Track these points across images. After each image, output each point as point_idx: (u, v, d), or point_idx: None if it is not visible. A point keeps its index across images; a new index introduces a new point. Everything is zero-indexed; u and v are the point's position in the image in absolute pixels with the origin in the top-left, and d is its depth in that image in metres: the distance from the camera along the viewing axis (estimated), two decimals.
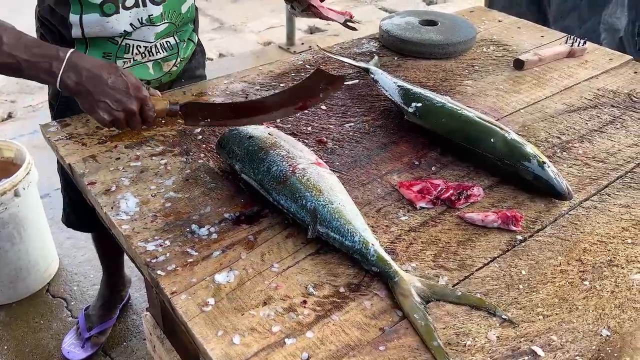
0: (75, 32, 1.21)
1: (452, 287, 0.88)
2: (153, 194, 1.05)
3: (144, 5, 1.21)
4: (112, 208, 1.01)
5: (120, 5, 1.19)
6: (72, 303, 2.00)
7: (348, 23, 1.41)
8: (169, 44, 1.33)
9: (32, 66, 1.00)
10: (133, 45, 1.27)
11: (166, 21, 1.27)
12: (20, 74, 1.04)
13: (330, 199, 0.95)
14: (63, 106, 1.35)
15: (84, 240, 2.22)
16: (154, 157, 1.15)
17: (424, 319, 0.81)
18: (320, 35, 4.43)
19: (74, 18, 1.19)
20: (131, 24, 1.22)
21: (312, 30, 4.56)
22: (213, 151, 1.18)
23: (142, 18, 1.22)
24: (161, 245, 0.93)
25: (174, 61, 1.37)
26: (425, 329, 0.79)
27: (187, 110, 1.09)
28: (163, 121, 1.24)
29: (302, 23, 4.56)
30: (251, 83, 1.46)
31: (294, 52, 4.00)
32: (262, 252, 0.93)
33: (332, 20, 1.40)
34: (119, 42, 1.25)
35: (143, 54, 1.30)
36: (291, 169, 0.99)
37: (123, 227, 0.97)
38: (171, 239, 0.95)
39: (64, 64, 1.00)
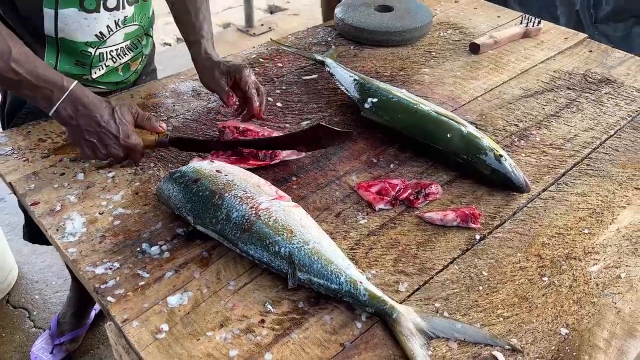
0: (48, 27, 1.11)
1: (445, 314, 0.83)
2: (101, 212, 1.00)
3: (123, 7, 1.17)
4: (57, 230, 0.96)
5: (101, 4, 1.13)
6: (35, 313, 1.94)
7: None
8: (134, 44, 1.30)
9: (33, 88, 0.98)
10: (106, 52, 1.22)
11: (136, 23, 1.24)
12: (15, 90, 1.03)
13: (304, 239, 0.85)
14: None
15: (44, 247, 2.14)
16: (100, 171, 1.09)
17: None
18: (280, 15, 4.34)
19: (47, 12, 1.09)
20: (108, 26, 1.17)
21: (272, 10, 4.45)
22: (163, 159, 1.13)
23: (118, 20, 1.19)
24: (110, 269, 0.89)
25: (139, 60, 1.35)
26: None
27: (176, 144, 1.13)
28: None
29: (261, 2, 4.45)
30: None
31: (254, 34, 3.91)
32: (218, 270, 0.89)
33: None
34: (92, 54, 1.20)
35: (114, 59, 1.26)
36: (254, 212, 0.88)
37: (69, 250, 0.92)
38: (121, 260, 0.90)
39: (65, 94, 0.99)
